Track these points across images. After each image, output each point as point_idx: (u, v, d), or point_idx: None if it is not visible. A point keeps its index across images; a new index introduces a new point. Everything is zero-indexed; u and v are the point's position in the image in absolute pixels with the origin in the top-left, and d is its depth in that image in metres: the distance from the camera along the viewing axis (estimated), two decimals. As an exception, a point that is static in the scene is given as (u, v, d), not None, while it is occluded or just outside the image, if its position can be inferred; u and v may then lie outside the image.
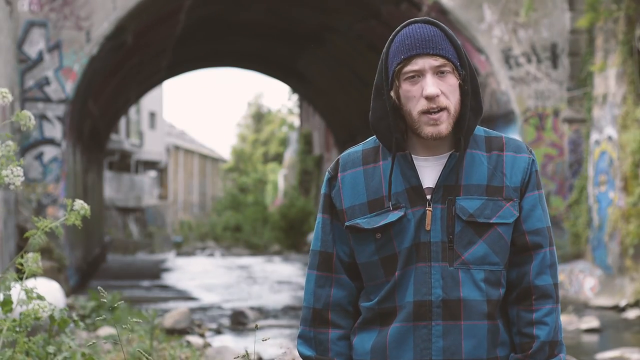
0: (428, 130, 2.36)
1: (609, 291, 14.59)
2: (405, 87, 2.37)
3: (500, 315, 2.44)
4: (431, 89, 2.33)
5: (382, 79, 2.42)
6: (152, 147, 50.15)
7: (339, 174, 2.49)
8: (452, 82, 2.37)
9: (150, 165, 51.59)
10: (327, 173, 2.52)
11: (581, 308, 13.92)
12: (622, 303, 13.84)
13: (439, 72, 2.36)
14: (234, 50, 26.63)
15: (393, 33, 2.43)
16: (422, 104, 2.35)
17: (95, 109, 20.53)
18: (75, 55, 15.66)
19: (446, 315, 2.37)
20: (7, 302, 4.13)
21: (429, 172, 2.42)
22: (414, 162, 2.42)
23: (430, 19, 2.42)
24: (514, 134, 16.86)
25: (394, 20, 17.88)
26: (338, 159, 2.52)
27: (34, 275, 4.07)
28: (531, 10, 16.21)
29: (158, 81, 29.07)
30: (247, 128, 69.06)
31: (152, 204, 49.75)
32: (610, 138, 15.23)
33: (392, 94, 2.40)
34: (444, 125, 2.35)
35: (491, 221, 2.39)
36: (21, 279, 4.06)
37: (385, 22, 18.22)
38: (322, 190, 2.53)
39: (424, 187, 2.41)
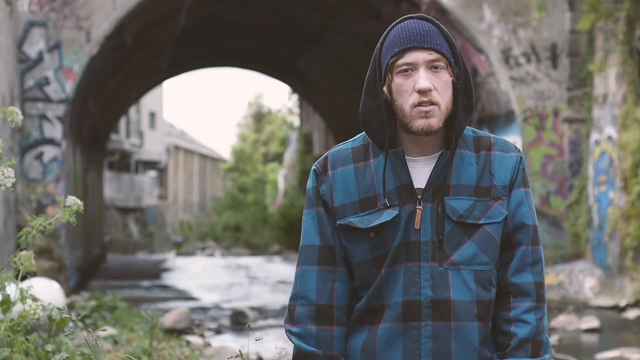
0: (419, 123, 2.32)
1: (609, 291, 14.58)
2: (398, 80, 2.34)
3: (493, 316, 2.40)
4: (424, 83, 2.30)
5: (375, 73, 2.38)
6: (152, 147, 50.12)
7: (329, 171, 2.43)
8: (445, 78, 2.34)
9: (150, 165, 51.57)
10: (314, 167, 2.46)
11: (581, 308, 13.92)
12: (622, 303, 13.83)
13: (432, 67, 2.33)
14: (234, 50, 26.62)
15: (388, 28, 2.42)
16: (414, 98, 2.31)
17: (95, 109, 20.52)
18: (75, 55, 15.65)
19: (436, 316, 2.33)
20: (5, 302, 4.10)
21: (419, 171, 2.38)
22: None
23: (426, 15, 2.40)
24: (514, 134, 16.85)
25: (393, 20, 17.79)
26: (327, 155, 2.46)
27: (33, 274, 4.03)
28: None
29: (158, 81, 29.07)
30: (247, 128, 68.98)
31: (152, 204, 49.75)
32: (610, 138, 15.22)
33: (384, 89, 2.37)
34: (435, 119, 2.32)
35: (480, 222, 2.36)
36: (17, 277, 4.02)
37: (386, 22, 18.19)
38: (311, 184, 2.46)
39: (415, 186, 2.37)
